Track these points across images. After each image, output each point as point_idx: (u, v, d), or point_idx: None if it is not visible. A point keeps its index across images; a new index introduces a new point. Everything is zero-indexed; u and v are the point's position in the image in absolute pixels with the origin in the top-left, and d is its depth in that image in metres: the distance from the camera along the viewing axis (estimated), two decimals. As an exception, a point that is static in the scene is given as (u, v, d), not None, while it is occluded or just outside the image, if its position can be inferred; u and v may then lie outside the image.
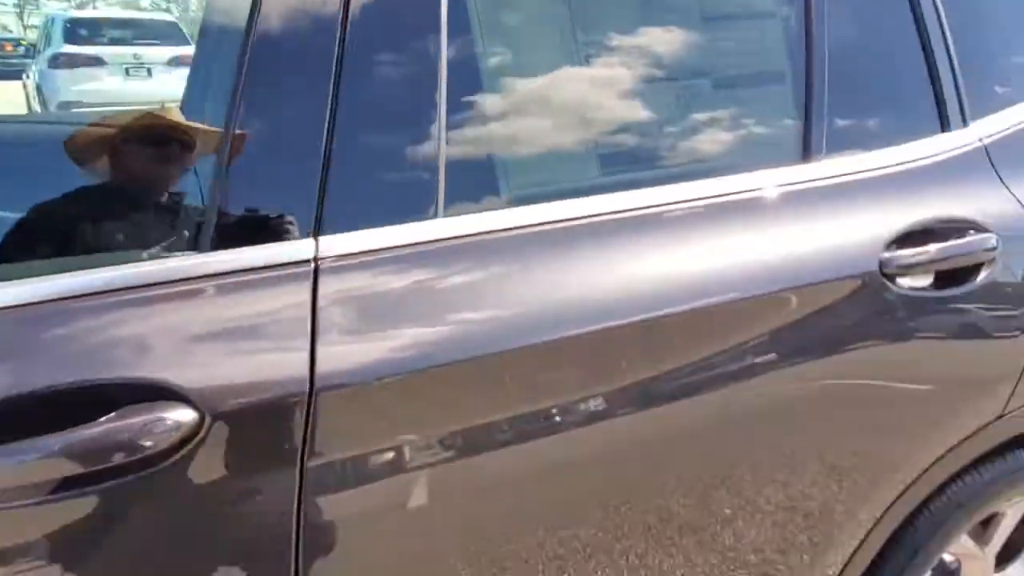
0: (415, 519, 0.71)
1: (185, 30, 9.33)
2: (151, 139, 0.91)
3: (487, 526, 0.76)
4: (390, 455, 0.69)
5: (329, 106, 0.69)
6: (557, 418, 0.76)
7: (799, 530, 1.00)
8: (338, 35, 0.69)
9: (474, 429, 0.72)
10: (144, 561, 0.62)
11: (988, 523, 1.24)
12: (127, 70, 8.79)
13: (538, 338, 0.74)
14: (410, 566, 0.73)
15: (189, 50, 9.28)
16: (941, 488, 1.10)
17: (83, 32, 8.62)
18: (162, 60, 8.98)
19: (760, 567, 0.99)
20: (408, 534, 0.71)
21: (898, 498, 1.05)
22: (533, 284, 0.76)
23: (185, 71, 8.23)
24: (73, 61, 8.43)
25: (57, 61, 8.37)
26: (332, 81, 0.69)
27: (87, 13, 9.96)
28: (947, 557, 1.27)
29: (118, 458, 0.58)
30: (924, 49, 1.03)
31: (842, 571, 1.07)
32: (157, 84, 8.94)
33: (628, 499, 0.83)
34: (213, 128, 0.73)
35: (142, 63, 8.84)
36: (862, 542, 1.06)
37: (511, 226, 0.77)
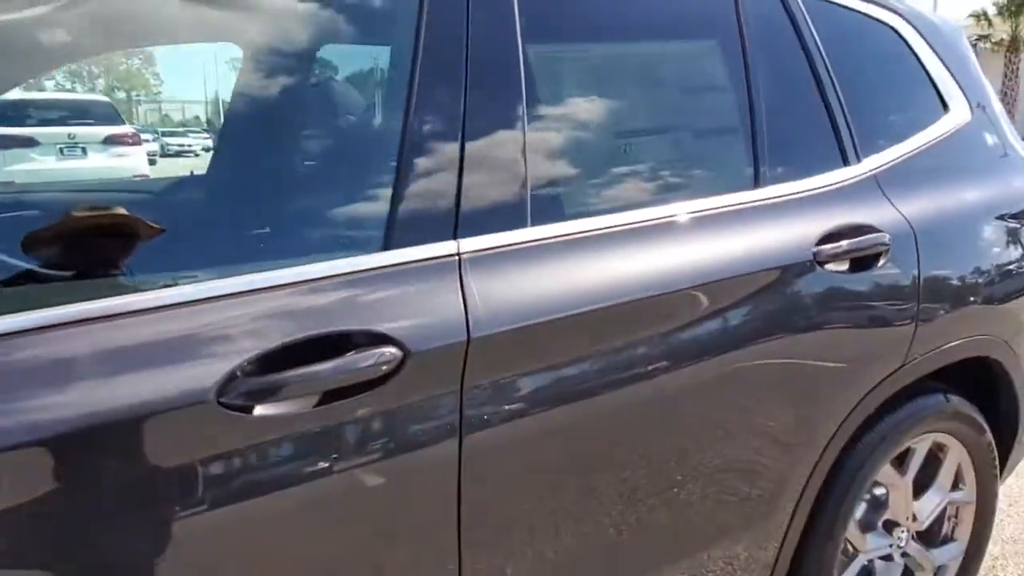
0: (535, 424, 1.04)
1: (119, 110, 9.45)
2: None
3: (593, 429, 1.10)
4: (516, 381, 1.03)
5: (458, 163, 1.05)
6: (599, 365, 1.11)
7: (768, 465, 1.36)
8: (462, 100, 1.05)
9: (570, 363, 1.07)
10: (370, 444, 0.92)
11: (904, 457, 1.64)
12: (61, 150, 8.81)
13: (596, 304, 1.10)
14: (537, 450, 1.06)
15: (123, 129, 9.42)
16: (866, 424, 1.49)
17: (13, 113, 8.64)
18: (97, 139, 9.05)
19: (739, 500, 1.34)
20: (533, 438, 1.05)
21: (835, 433, 1.44)
22: (586, 271, 1.12)
23: (119, 149, 8.31)
24: (4, 142, 8.40)
25: (-13, 143, 8.32)
26: (459, 150, 1.05)
27: (16, 95, 9.91)
28: (877, 491, 1.65)
29: (362, 377, 0.90)
30: (828, 111, 1.48)
31: (799, 497, 1.43)
32: (92, 163, 8.99)
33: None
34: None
35: (76, 143, 8.88)
36: (812, 471, 1.43)
37: (572, 232, 1.13)
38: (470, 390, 0.98)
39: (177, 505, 0.83)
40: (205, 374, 0.83)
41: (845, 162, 1.49)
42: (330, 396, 0.89)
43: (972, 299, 1.60)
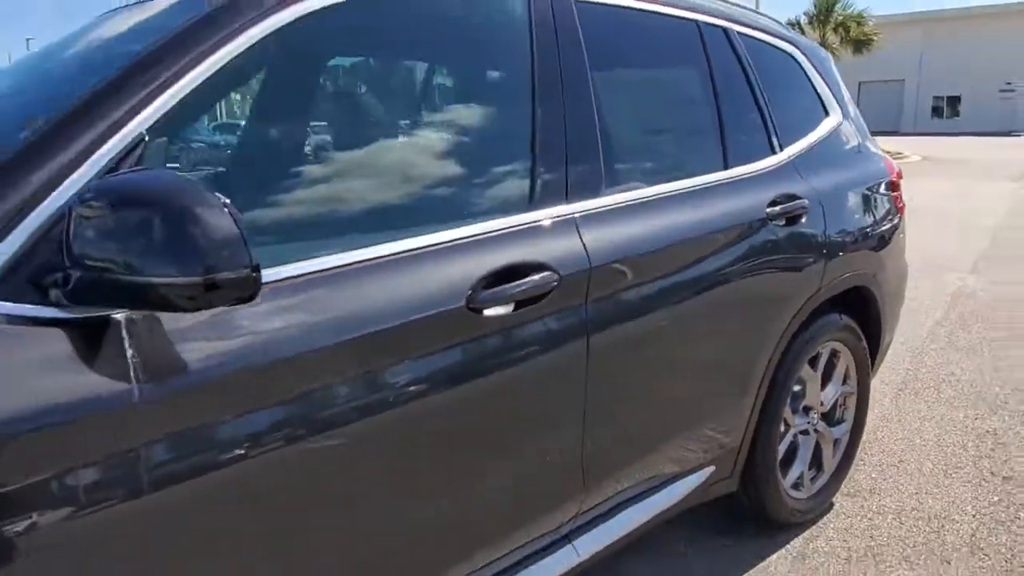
0: (626, 323, 1.57)
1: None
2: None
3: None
4: (616, 295, 1.56)
5: (564, 153, 1.56)
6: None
7: (720, 399, 1.97)
8: (563, 110, 1.56)
9: (640, 284, 1.62)
10: (540, 335, 1.42)
11: (815, 359, 2.32)
12: None
13: (653, 247, 1.65)
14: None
15: None
16: (795, 336, 2.14)
17: None
18: None
19: (693, 427, 1.94)
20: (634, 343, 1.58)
21: (779, 341, 2.08)
22: (644, 224, 1.67)
23: None
24: None
25: None
26: (564, 144, 1.56)
27: None
28: (798, 386, 2.32)
29: (538, 292, 1.39)
30: (762, 116, 2.12)
31: (758, 388, 2.06)
32: None
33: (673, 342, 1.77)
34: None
35: None
36: (766, 369, 2.06)
37: (630, 199, 1.67)
38: (592, 301, 1.50)
39: (445, 375, 1.29)
40: (458, 291, 1.29)
41: (773, 152, 2.15)
42: (521, 304, 1.38)
43: (855, 245, 2.32)
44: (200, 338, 1.01)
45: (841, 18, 26.20)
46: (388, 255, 1.24)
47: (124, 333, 0.96)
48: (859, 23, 26.27)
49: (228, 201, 0.89)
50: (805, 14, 27.06)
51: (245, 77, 1.44)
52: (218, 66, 1.13)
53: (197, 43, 1.11)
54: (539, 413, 1.49)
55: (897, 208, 2.62)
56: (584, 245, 1.51)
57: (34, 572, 0.88)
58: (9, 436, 0.85)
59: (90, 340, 0.94)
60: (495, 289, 1.34)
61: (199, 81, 1.11)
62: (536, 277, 1.40)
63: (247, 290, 0.89)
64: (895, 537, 2.33)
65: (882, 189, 2.51)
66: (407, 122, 1.74)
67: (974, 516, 2.44)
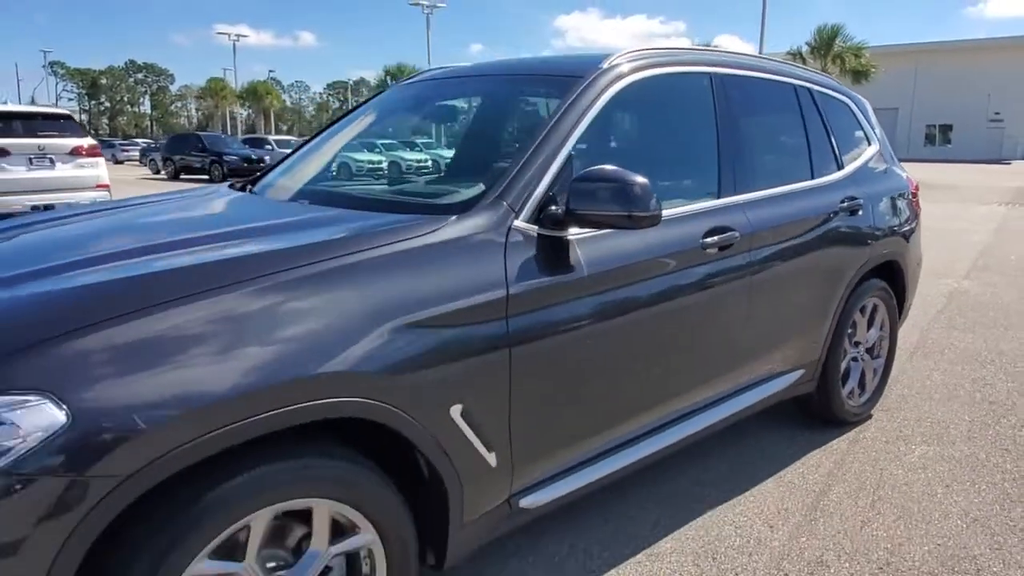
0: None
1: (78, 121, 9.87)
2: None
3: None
4: (763, 249, 2.66)
5: (717, 165, 2.67)
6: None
7: (808, 321, 3.05)
8: (716, 141, 2.67)
9: (778, 243, 2.71)
10: (726, 272, 2.52)
11: (864, 308, 3.41)
12: (30, 160, 9.18)
13: (772, 224, 2.75)
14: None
15: (86, 141, 9.84)
16: (853, 289, 3.23)
17: (-16, 125, 8.91)
18: (64, 150, 9.47)
19: (795, 339, 3.01)
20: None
21: (844, 291, 3.17)
22: (768, 209, 2.76)
23: (83, 160, 9.07)
24: (-21, 153, 8.71)
25: (-39, 153, 8.61)
26: (717, 160, 2.66)
27: None
28: (850, 328, 3.40)
29: (727, 242, 2.49)
30: (831, 144, 3.24)
31: (832, 321, 3.15)
32: (59, 173, 9.41)
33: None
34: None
35: (45, 153, 9.28)
36: (836, 307, 3.15)
37: (760, 196, 2.77)
38: (752, 250, 2.59)
39: (685, 283, 2.37)
40: (695, 236, 2.38)
41: (839, 168, 3.26)
42: (721, 248, 2.46)
43: (889, 233, 3.42)
44: (608, 247, 2.09)
45: (840, 50, 27.68)
46: (673, 215, 2.32)
47: (575, 244, 2.04)
48: (857, 55, 27.75)
49: (645, 178, 1.97)
50: (807, 44, 28.55)
51: (602, 122, 2.44)
52: (589, 120, 2.22)
53: (582, 112, 2.20)
54: (724, 315, 2.58)
55: (915, 211, 3.74)
56: (747, 219, 2.60)
57: (529, 368, 1.93)
58: (533, 288, 1.91)
59: (558, 245, 2.01)
60: (711, 239, 2.43)
61: (582, 129, 2.20)
62: (729, 234, 2.49)
63: (655, 222, 1.97)
64: (916, 431, 3.42)
65: (906, 196, 3.63)
66: (672, 144, 2.82)
67: (969, 422, 3.54)
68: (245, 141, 29.10)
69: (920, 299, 5.85)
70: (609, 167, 1.96)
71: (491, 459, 1.88)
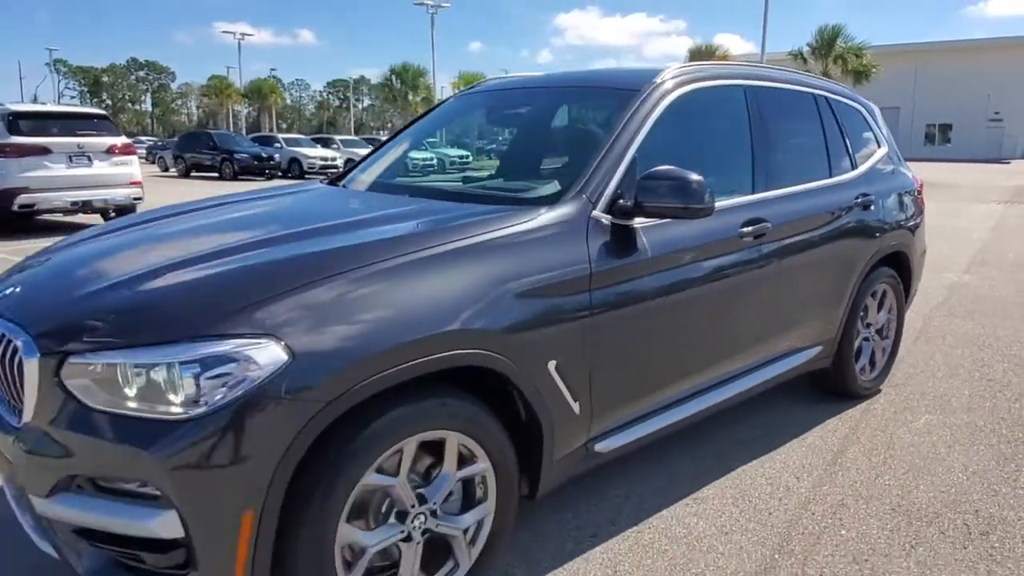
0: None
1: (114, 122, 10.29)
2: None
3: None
4: (788, 238, 3.07)
5: (751, 165, 3.07)
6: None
7: (826, 303, 3.46)
8: (751, 145, 3.07)
9: (801, 233, 3.12)
10: (759, 257, 2.93)
11: (875, 294, 3.83)
12: (70, 158, 9.59)
13: (794, 217, 3.16)
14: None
15: (121, 140, 10.25)
16: (865, 276, 3.64)
17: (26, 124, 9.32)
18: (101, 149, 9.87)
19: (829, 305, 3.43)
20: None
21: (857, 278, 3.58)
22: (792, 204, 3.17)
23: (118, 159, 9.53)
24: (21, 150, 9.12)
25: (4, 151, 9.01)
26: (752, 161, 3.06)
27: (29, 107, 10.43)
28: (863, 310, 3.81)
29: (760, 232, 2.90)
30: (846, 146, 3.65)
31: (846, 304, 3.55)
32: (96, 170, 9.82)
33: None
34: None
35: (83, 151, 9.68)
36: (851, 291, 3.56)
37: (785, 192, 3.18)
38: (779, 239, 3.00)
39: (724, 265, 2.78)
40: (735, 226, 2.79)
41: (854, 168, 3.67)
42: (756, 236, 2.87)
43: (897, 226, 3.83)
44: (666, 234, 2.49)
45: (841, 51, 28.12)
46: (717, 208, 2.70)
47: (640, 231, 2.44)
48: (858, 55, 28.20)
49: (700, 176, 2.37)
50: (808, 45, 28.97)
51: (656, 128, 2.78)
52: (647, 128, 2.63)
53: (641, 121, 2.61)
54: (757, 294, 2.98)
55: (920, 207, 4.14)
56: (777, 211, 3.01)
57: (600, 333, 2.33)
58: (609, 266, 2.31)
59: (628, 232, 2.42)
60: (748, 228, 2.83)
61: (643, 135, 2.60)
62: (762, 224, 2.89)
63: (709, 213, 2.37)
64: (921, 403, 3.83)
65: (912, 194, 4.04)
66: (713, 147, 3.21)
67: (969, 396, 3.95)
68: (254, 139, 29.48)
69: (923, 290, 6.27)
70: (671, 167, 2.37)
71: (575, 408, 2.29)
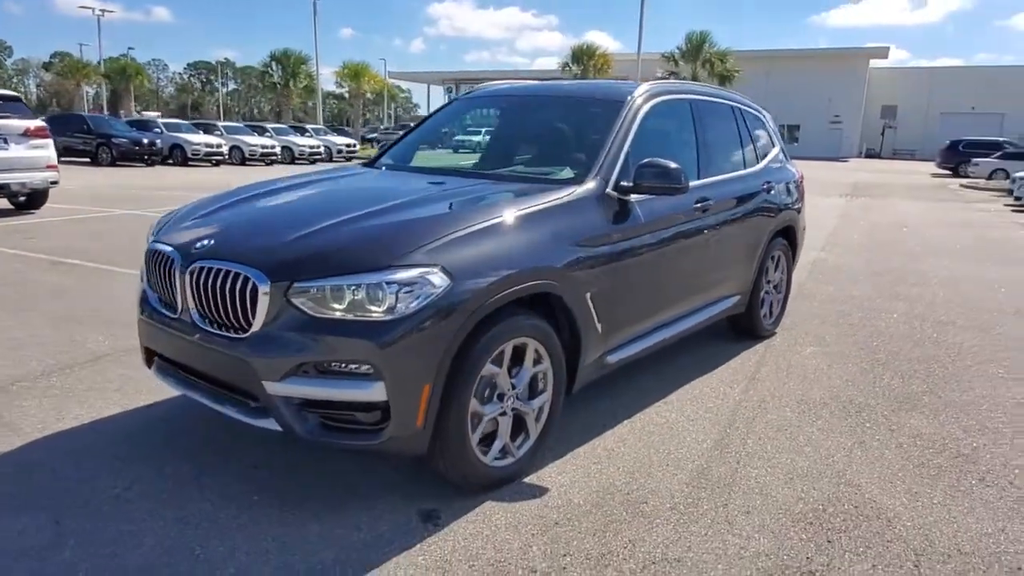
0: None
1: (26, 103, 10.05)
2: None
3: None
4: (721, 212, 4.18)
5: (696, 154, 4.16)
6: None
7: (744, 263, 4.63)
8: (696, 141, 4.16)
9: (726, 209, 4.25)
10: (705, 222, 4.02)
11: (773, 256, 5.05)
12: (-13, 140, 9.39)
13: (726, 196, 4.29)
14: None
15: (37, 123, 10.06)
16: (768, 243, 4.84)
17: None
18: (17, 131, 9.71)
19: (733, 275, 4.59)
20: None
21: (763, 243, 4.77)
22: (721, 188, 4.29)
23: (34, 141, 9.73)
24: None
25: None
26: (696, 153, 4.15)
27: None
28: (767, 270, 5.03)
29: (707, 207, 3.98)
30: (754, 145, 4.83)
31: (758, 260, 4.74)
32: (13, 153, 9.67)
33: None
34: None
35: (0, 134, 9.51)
36: (760, 252, 4.75)
37: (715, 179, 4.30)
38: (715, 212, 4.10)
39: (686, 229, 3.84)
40: (690, 201, 3.85)
41: (759, 162, 4.86)
42: (703, 210, 3.95)
43: (786, 207, 5.07)
44: (652, 207, 3.49)
45: (708, 55, 30.74)
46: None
47: (635, 203, 3.43)
48: (723, 60, 30.93)
49: (678, 164, 3.37)
50: (678, 49, 31.41)
51: (637, 129, 3.73)
52: (634, 129, 3.62)
53: (629, 123, 3.59)
54: (704, 252, 4.05)
55: (802, 192, 5.42)
56: (715, 192, 4.10)
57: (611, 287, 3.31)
58: (618, 227, 3.29)
59: (628, 204, 3.39)
60: (698, 204, 3.90)
61: (632, 133, 3.59)
62: (707, 202, 3.97)
63: (685, 191, 3.38)
64: (805, 340, 5.10)
65: (797, 183, 5.31)
66: (673, 143, 4.21)
67: (837, 334, 5.28)
68: (129, 123, 28.17)
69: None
70: (659, 159, 3.36)
71: (599, 328, 3.24)
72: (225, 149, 27.00)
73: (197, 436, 3.31)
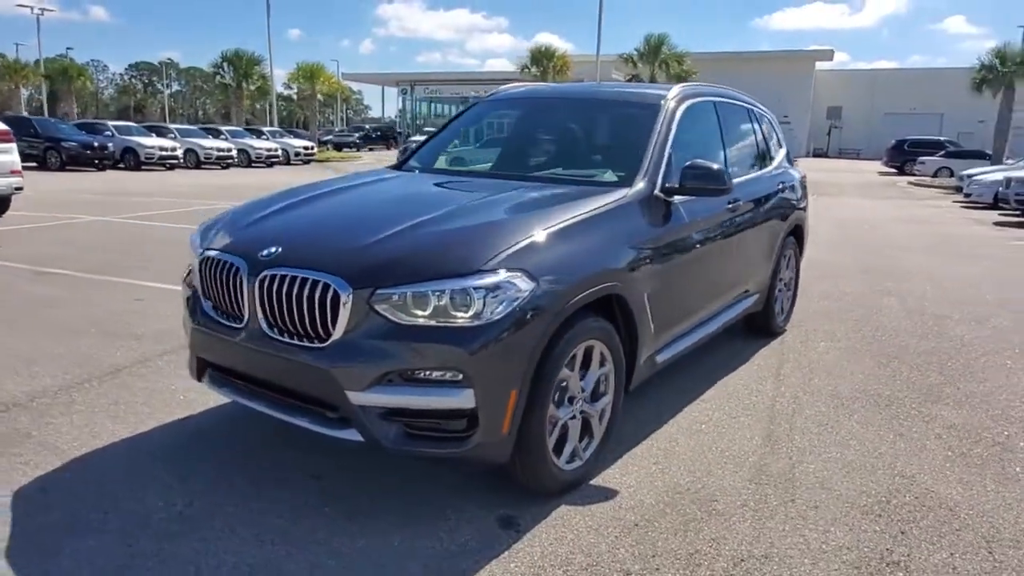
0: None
1: None
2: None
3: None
4: (746, 212, 4.25)
5: (724, 157, 4.23)
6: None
7: (763, 261, 4.72)
8: (722, 142, 4.23)
9: (753, 209, 4.32)
10: (735, 220, 4.08)
11: (787, 256, 5.16)
12: (-54, 145, 8.96)
13: (751, 196, 4.36)
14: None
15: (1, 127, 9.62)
16: (784, 241, 4.95)
17: None
18: (-21, 135, 9.28)
19: (754, 274, 4.67)
20: None
21: (779, 242, 4.87)
22: (746, 189, 4.37)
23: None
24: None
25: None
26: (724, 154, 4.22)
27: None
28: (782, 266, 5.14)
29: (737, 207, 4.04)
30: (768, 146, 4.92)
31: (774, 259, 4.83)
32: (-25, 158, 9.23)
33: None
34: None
35: (-39, 138, 9.07)
36: (776, 251, 4.84)
37: (742, 179, 4.38)
38: (744, 212, 4.17)
39: (725, 225, 3.89)
40: (723, 202, 3.90)
41: (772, 161, 4.96)
42: (732, 210, 4.01)
43: (798, 206, 5.18)
44: (692, 207, 3.53)
45: (666, 56, 31.22)
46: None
47: (678, 203, 3.46)
48: (680, 61, 31.45)
49: (720, 166, 3.41)
50: (636, 50, 31.82)
51: (676, 132, 3.78)
52: (674, 129, 3.65)
53: (668, 126, 3.63)
54: (735, 251, 4.11)
55: (806, 193, 5.55)
56: (742, 192, 4.16)
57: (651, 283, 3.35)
58: (668, 227, 3.32)
59: (671, 205, 3.42)
60: (730, 204, 3.96)
61: (672, 134, 3.62)
62: (736, 202, 4.03)
63: (729, 191, 3.43)
64: (815, 336, 5.22)
65: (803, 183, 5.43)
66: (702, 143, 4.22)
67: (845, 331, 5.41)
68: (78, 127, 27.14)
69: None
70: (703, 161, 3.40)
71: (652, 328, 3.26)
72: (180, 153, 26.29)
73: (240, 447, 3.21)
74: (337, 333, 2.44)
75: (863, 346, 5.03)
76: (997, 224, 14.02)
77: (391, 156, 39.52)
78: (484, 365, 2.40)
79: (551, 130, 4.19)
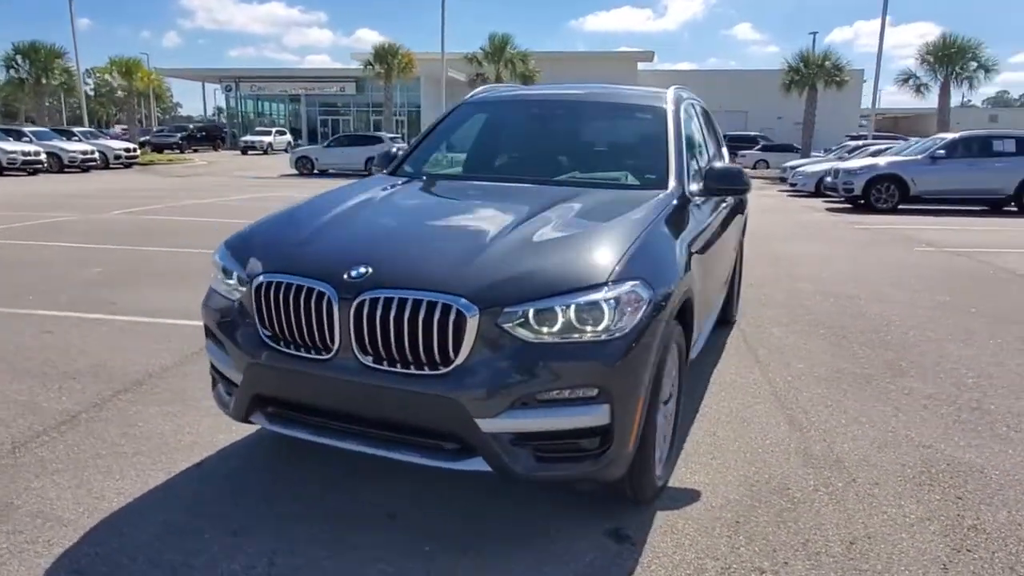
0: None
1: None
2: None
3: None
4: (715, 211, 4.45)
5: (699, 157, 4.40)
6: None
7: (733, 251, 4.97)
8: (704, 142, 4.40)
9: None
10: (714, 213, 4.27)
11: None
12: None
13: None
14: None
15: None
16: (740, 235, 5.23)
17: None
18: None
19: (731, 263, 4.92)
20: None
21: (737, 239, 5.15)
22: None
23: None
24: None
25: None
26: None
27: None
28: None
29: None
30: (719, 141, 5.18)
31: (734, 261, 5.10)
32: None
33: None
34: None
35: None
36: (736, 254, 5.11)
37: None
38: (732, 206, 4.36)
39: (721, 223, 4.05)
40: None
41: (724, 157, 5.22)
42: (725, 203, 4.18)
43: (744, 202, 5.49)
44: (706, 205, 3.63)
45: (511, 55, 31.78)
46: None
47: (701, 202, 3.56)
48: (524, 61, 32.15)
49: (741, 167, 3.55)
50: (482, 49, 32.10)
51: (689, 128, 3.88)
52: (682, 130, 3.74)
53: (677, 126, 3.71)
54: (724, 247, 4.28)
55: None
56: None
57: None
58: (698, 221, 3.41)
59: (696, 202, 3.51)
60: (699, 199, 4.10)
61: (683, 136, 3.71)
62: (710, 199, 4.20)
63: (747, 191, 3.57)
64: (764, 323, 5.58)
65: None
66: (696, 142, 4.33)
67: (790, 317, 5.83)
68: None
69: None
70: (727, 164, 3.53)
71: (696, 325, 3.33)
72: (44, 157, 24.79)
73: (285, 491, 2.88)
74: (460, 358, 2.26)
75: (810, 329, 5.45)
76: (830, 210, 15.71)
77: (225, 159, 36.90)
78: (620, 379, 2.32)
79: (558, 134, 4.12)
